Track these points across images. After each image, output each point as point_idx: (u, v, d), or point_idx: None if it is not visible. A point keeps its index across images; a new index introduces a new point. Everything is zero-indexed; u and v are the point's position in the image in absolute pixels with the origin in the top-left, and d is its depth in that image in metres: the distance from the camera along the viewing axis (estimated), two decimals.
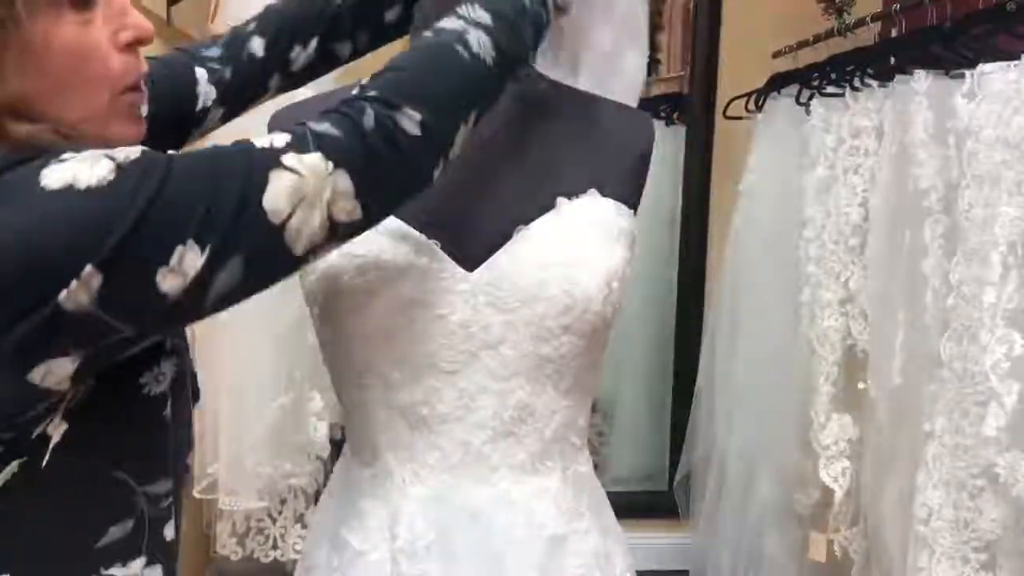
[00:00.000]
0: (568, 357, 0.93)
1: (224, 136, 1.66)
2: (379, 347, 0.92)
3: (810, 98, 1.84)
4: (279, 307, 1.61)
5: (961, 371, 1.27)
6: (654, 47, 2.59)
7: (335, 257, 0.89)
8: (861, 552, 1.67)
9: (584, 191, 0.95)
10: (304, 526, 1.81)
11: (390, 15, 1.07)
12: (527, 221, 0.92)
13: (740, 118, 2.16)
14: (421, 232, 0.91)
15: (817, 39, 1.94)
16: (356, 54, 1.10)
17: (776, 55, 2.13)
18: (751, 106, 2.11)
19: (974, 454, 1.26)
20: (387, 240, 0.90)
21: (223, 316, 1.72)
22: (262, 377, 1.62)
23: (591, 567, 0.97)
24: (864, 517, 1.64)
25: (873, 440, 1.59)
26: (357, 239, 0.89)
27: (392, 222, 0.90)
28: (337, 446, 1.81)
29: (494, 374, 0.92)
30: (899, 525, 1.45)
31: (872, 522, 1.58)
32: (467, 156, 0.97)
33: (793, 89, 1.91)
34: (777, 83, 2.01)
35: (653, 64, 2.60)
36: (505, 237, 0.92)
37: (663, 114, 2.49)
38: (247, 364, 1.61)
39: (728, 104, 2.20)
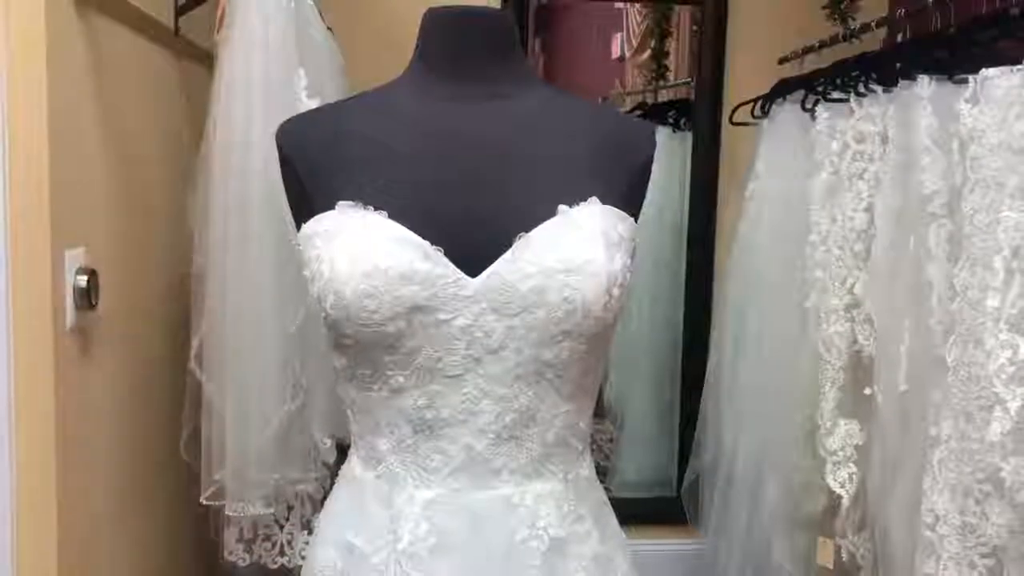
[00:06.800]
0: (569, 362, 0.94)
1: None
2: (384, 352, 0.93)
3: (815, 104, 1.84)
4: (286, 313, 1.62)
5: (966, 376, 1.27)
6: (662, 54, 2.60)
7: (341, 263, 0.90)
8: (868, 557, 1.67)
9: (585, 198, 0.95)
10: (311, 532, 1.81)
11: None
12: (529, 228, 0.93)
13: (746, 124, 2.17)
14: (425, 238, 0.92)
15: (823, 45, 1.95)
16: None
17: (782, 61, 2.14)
18: (757, 112, 2.11)
19: (980, 459, 1.25)
20: (392, 246, 0.91)
21: (230, 322, 1.72)
22: (268, 383, 1.62)
23: (592, 570, 0.98)
24: (871, 522, 1.63)
25: (879, 445, 1.59)
26: (363, 245, 0.90)
27: (397, 228, 0.91)
28: (344, 452, 1.81)
29: (497, 379, 0.93)
30: (906, 530, 1.44)
31: (879, 527, 1.58)
32: (470, 163, 0.97)
33: (799, 95, 1.92)
34: (783, 89, 2.01)
35: (661, 71, 2.61)
36: (507, 243, 0.92)
37: (670, 120, 2.50)
38: (253, 370, 1.62)
39: (734, 110, 2.21)
